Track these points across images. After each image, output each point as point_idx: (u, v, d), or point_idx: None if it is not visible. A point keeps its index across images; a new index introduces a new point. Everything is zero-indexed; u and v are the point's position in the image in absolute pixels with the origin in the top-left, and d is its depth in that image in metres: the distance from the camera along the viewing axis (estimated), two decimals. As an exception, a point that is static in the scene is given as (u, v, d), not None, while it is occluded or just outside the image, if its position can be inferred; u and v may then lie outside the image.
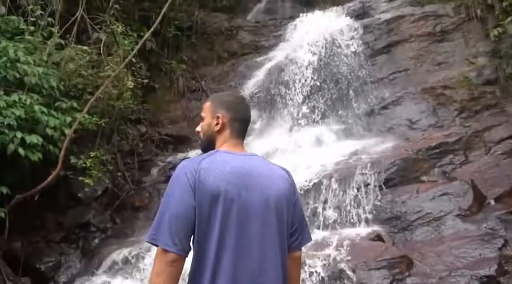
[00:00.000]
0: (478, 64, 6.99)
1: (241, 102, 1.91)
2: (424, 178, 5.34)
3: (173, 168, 6.52)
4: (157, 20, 6.68)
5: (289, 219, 1.75)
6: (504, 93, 6.57)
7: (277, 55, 8.24)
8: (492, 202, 4.94)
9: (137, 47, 6.15)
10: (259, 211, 1.66)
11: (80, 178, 5.42)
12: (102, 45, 6.22)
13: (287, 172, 1.84)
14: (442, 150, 5.76)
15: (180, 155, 6.90)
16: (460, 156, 5.73)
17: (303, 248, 1.89)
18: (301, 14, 8.82)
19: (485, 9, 7.29)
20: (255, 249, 1.63)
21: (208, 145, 1.83)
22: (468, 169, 5.53)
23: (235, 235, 1.61)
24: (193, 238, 1.64)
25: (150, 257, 5.02)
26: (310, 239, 1.88)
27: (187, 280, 1.67)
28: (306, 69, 7.65)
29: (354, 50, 7.74)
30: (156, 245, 1.61)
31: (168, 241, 1.58)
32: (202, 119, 1.88)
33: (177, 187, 1.65)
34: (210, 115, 1.84)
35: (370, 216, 5.05)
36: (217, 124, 1.81)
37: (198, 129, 1.88)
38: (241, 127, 1.84)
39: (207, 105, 1.88)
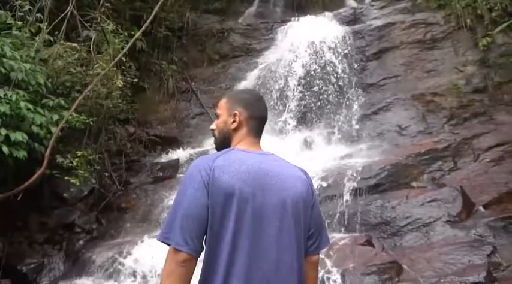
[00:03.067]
0: (467, 72, 7.07)
1: (258, 99, 1.85)
2: (414, 184, 5.36)
3: (161, 169, 6.44)
4: (149, 20, 6.58)
5: (307, 222, 1.70)
6: (492, 102, 6.65)
7: (268, 58, 8.22)
8: (481, 208, 4.96)
9: (128, 46, 6.05)
10: (275, 213, 1.61)
11: (66, 177, 5.29)
12: (91, 43, 6.11)
13: (305, 173, 1.79)
14: (432, 157, 5.80)
15: (169, 156, 6.82)
16: (449, 162, 5.77)
17: None
18: (292, 19, 8.84)
19: (474, 19, 7.40)
20: (271, 252, 1.58)
21: (224, 144, 1.77)
22: (457, 176, 5.57)
23: (250, 237, 1.56)
24: (205, 238, 1.59)
25: (135, 259, 4.92)
26: (328, 243, 1.82)
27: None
28: (297, 73, 7.65)
29: (344, 56, 7.76)
30: (168, 245, 1.56)
31: (180, 240, 1.53)
32: (217, 117, 1.82)
33: (190, 184, 1.59)
34: (226, 113, 1.78)
35: (359, 221, 5.03)
36: (233, 122, 1.76)
37: (213, 127, 1.82)
38: (258, 126, 1.79)
39: (223, 102, 1.82)
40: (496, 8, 7.01)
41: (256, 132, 1.78)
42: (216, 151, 1.79)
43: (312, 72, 7.59)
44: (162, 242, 1.58)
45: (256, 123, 1.78)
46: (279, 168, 1.69)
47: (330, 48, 7.84)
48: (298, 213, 1.66)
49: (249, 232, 1.56)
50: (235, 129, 1.76)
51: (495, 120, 6.33)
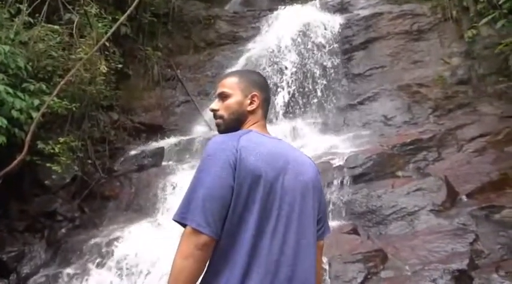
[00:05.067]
0: (452, 64, 7.13)
1: (267, 82, 1.83)
2: (399, 173, 5.40)
3: (146, 157, 6.34)
4: (133, 4, 6.46)
5: (316, 207, 1.69)
6: (476, 93, 6.73)
7: (255, 47, 8.15)
8: (464, 198, 5.03)
9: (112, 30, 5.91)
10: (295, 197, 1.59)
11: (48, 164, 5.16)
12: (74, 26, 5.93)
13: (312, 160, 1.78)
14: (416, 147, 5.84)
15: (154, 144, 6.72)
16: (433, 152, 5.82)
17: None
18: (279, 7, 8.77)
19: (460, 10, 7.44)
20: (292, 236, 1.55)
21: (234, 125, 1.68)
22: (441, 166, 5.62)
23: (274, 220, 1.52)
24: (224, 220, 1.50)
25: (119, 248, 4.85)
26: (329, 230, 1.83)
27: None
28: (283, 62, 7.60)
29: (331, 45, 7.74)
30: (184, 225, 1.47)
31: (201, 221, 1.43)
32: (225, 96, 1.71)
33: (214, 163, 1.50)
34: (240, 93, 1.70)
35: (345, 210, 5.06)
36: (251, 103, 1.70)
37: (215, 107, 1.72)
38: (268, 109, 1.77)
39: (234, 81, 1.72)
40: (482, 0, 7.06)
41: (266, 115, 1.77)
42: (218, 132, 1.72)
43: (299, 61, 7.55)
44: (178, 222, 1.49)
45: (267, 106, 1.76)
46: (293, 153, 1.68)
47: (316, 37, 7.80)
48: (313, 198, 1.66)
49: (273, 216, 1.52)
50: (253, 111, 1.70)
51: (478, 111, 6.40)
